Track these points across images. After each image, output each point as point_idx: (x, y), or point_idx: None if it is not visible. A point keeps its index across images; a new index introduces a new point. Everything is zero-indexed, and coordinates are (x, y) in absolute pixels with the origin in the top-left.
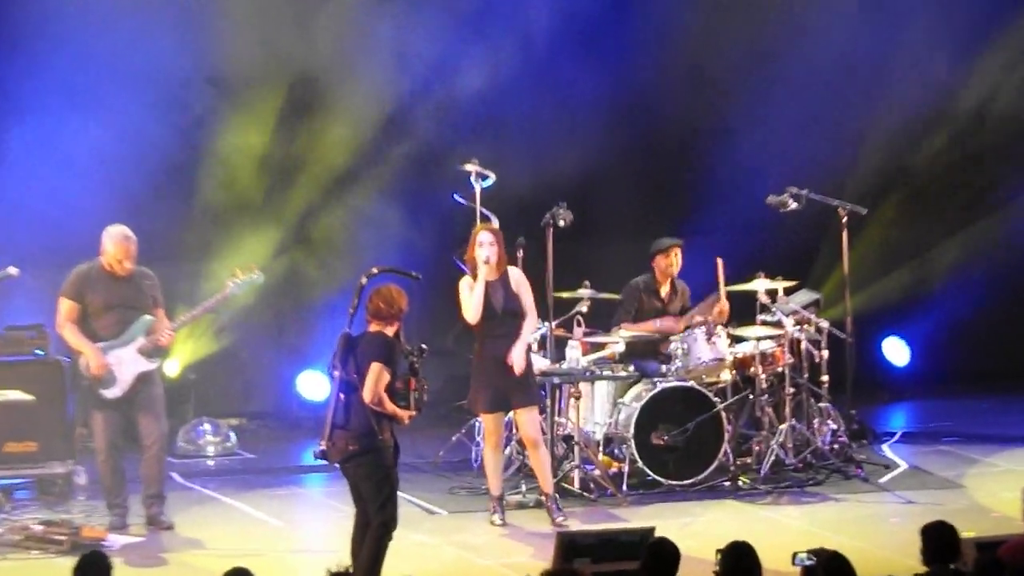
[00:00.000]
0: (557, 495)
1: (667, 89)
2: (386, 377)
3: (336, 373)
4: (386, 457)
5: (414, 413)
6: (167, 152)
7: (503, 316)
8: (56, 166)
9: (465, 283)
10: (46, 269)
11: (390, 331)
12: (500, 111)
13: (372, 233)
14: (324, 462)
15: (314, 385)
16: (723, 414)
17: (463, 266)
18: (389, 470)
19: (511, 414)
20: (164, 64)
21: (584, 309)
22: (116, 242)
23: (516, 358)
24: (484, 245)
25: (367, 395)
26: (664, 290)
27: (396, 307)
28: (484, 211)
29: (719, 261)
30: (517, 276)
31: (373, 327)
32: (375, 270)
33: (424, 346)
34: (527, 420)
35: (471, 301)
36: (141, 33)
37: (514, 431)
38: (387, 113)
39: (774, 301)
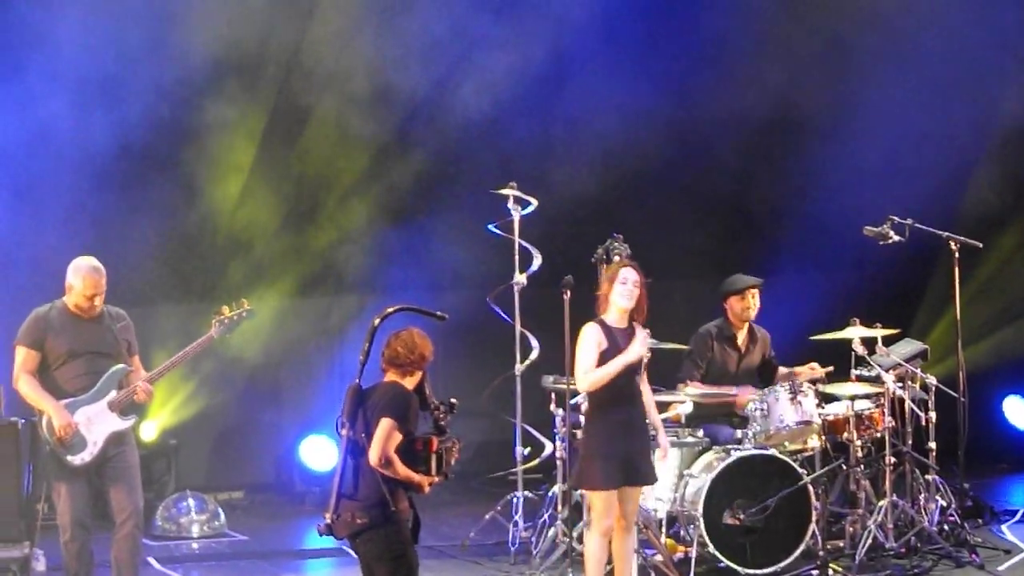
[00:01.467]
0: None
1: (741, 103)
2: (397, 436)
3: (344, 432)
4: (401, 532)
5: (436, 480)
6: (134, 167)
7: (628, 374)
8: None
9: (592, 336)
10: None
11: (409, 383)
12: (542, 131)
13: (392, 270)
14: (330, 539)
15: (320, 453)
16: (810, 488)
17: (499, 310)
18: (405, 547)
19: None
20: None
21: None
22: (85, 276)
23: (666, 444)
24: (628, 283)
25: (373, 456)
26: (741, 337)
27: (417, 353)
28: (525, 244)
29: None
30: (644, 333)
31: (389, 377)
32: (390, 309)
33: (454, 401)
34: (636, 497)
35: (594, 377)
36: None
37: (558, 507)
38: (406, 130)
39: (872, 353)
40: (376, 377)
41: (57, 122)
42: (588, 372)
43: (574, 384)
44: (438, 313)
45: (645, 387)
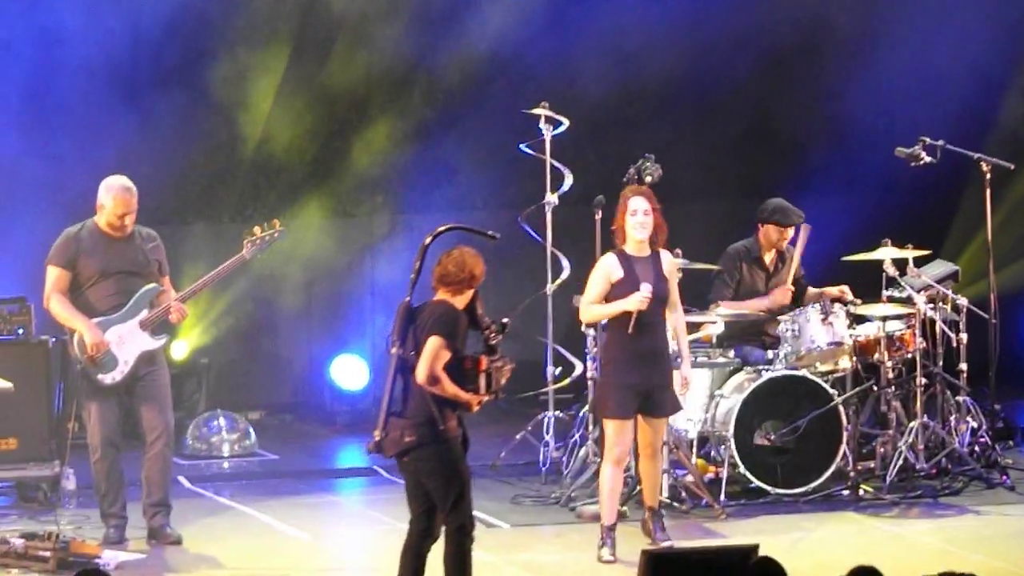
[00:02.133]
0: (663, 511)
1: (769, 20)
2: (445, 354)
3: (393, 350)
4: (452, 450)
5: (485, 398)
6: (167, 90)
7: (651, 302)
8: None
9: (604, 268)
10: (31, 231)
11: (459, 301)
12: (570, 47)
13: (424, 190)
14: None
15: (351, 372)
16: (841, 409)
17: (532, 231)
18: (456, 464)
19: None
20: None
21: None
22: (116, 195)
23: (689, 375)
24: (638, 214)
25: (420, 374)
26: (769, 258)
27: (467, 272)
28: (556, 164)
29: (805, 229)
30: (670, 260)
31: (439, 295)
32: (442, 228)
33: (505, 321)
34: (658, 428)
35: (594, 312)
36: None
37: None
38: (442, 49)
39: (903, 274)
40: (427, 296)
41: (69, 28)
42: (590, 304)
43: None
44: (489, 232)
45: (676, 314)
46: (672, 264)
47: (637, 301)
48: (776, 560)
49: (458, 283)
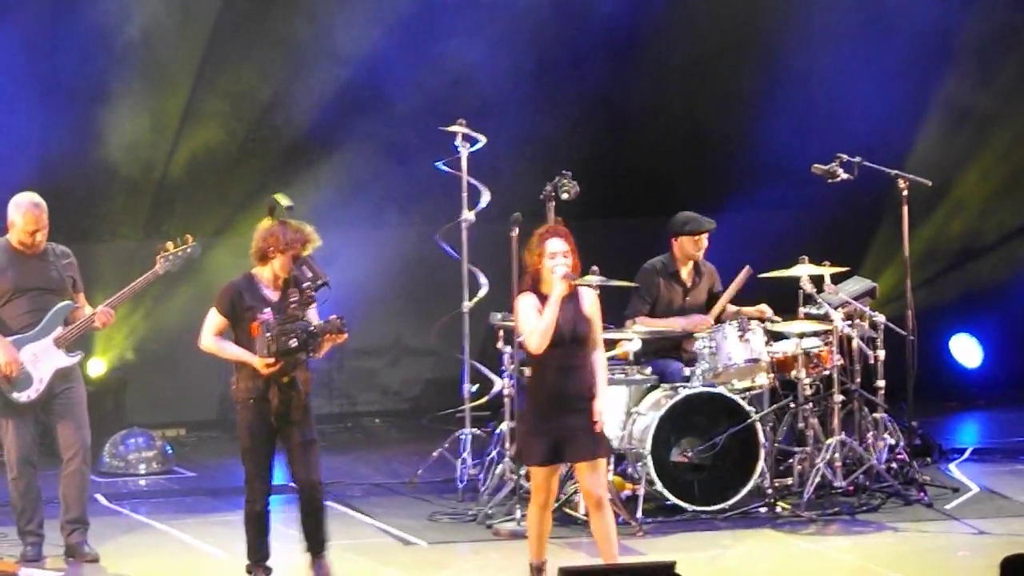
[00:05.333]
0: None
1: (692, 30)
2: (214, 320)
3: None
4: (240, 412)
5: (269, 360)
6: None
7: (571, 344)
8: None
9: (530, 303)
10: None
11: (270, 270)
12: (487, 62)
13: (339, 205)
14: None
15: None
16: (759, 426)
17: (448, 247)
18: (240, 427)
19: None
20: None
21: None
22: (26, 212)
23: (601, 410)
24: (558, 256)
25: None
26: (686, 272)
27: (257, 246)
28: (473, 181)
29: (746, 271)
30: (592, 298)
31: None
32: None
33: (321, 282)
34: (592, 476)
35: (540, 324)
36: None
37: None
38: (354, 65)
39: (820, 291)
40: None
41: None
42: (532, 327)
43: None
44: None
45: (596, 354)
46: (594, 304)
47: (560, 288)
48: None
49: (259, 257)
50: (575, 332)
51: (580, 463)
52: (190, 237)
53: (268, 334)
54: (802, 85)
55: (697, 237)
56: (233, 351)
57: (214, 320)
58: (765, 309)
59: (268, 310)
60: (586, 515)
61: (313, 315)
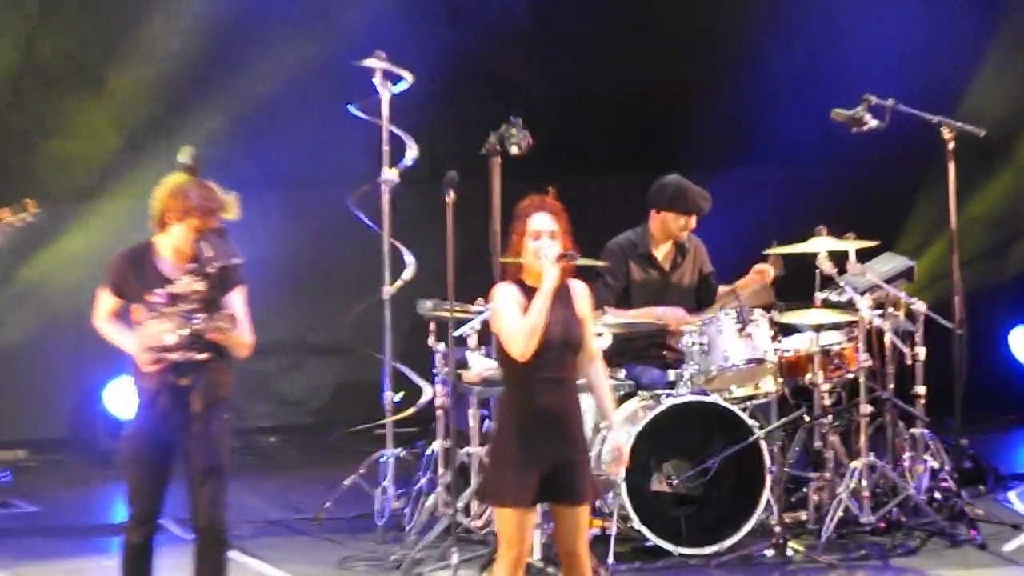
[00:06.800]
0: None
1: None
2: (104, 299)
3: None
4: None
5: (147, 359)
6: None
7: (561, 350)
8: None
9: (509, 294)
10: None
11: (168, 237)
12: None
13: (222, 165)
14: None
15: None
16: (764, 445)
17: (364, 217)
18: (128, 435)
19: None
20: None
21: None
22: None
23: (622, 444)
24: (543, 236)
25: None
26: (662, 253)
27: (158, 210)
28: (396, 131)
29: (766, 271)
30: (584, 293)
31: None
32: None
33: (219, 264)
34: (571, 523)
35: (528, 322)
36: None
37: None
38: None
39: (843, 272)
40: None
41: None
42: (515, 327)
43: (460, 313)
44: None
45: (593, 365)
46: (586, 299)
47: (552, 276)
48: None
49: (157, 222)
50: (566, 336)
51: (563, 507)
52: (30, 202)
53: (147, 322)
54: (823, 18)
55: (684, 216)
56: (121, 340)
57: (103, 299)
58: (765, 268)
59: (162, 291)
60: (542, 560)
61: (237, 304)
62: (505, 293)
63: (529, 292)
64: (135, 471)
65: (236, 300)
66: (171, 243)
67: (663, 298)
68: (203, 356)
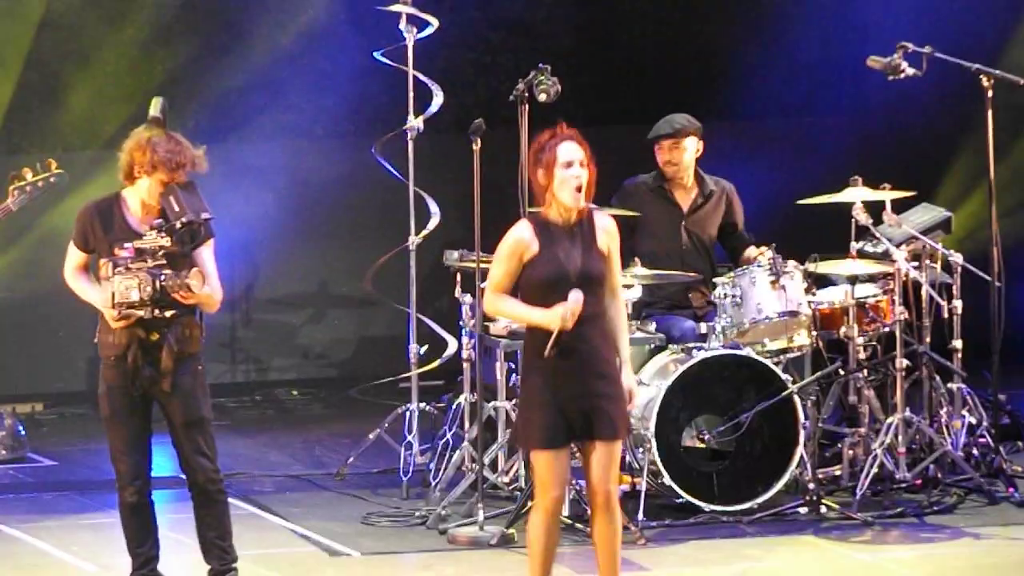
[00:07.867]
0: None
1: None
2: (73, 254)
3: None
4: (103, 372)
5: (114, 314)
6: None
7: (579, 286)
8: None
9: (524, 232)
10: None
11: (137, 192)
12: None
13: (241, 114)
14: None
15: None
16: (797, 400)
17: (388, 165)
18: (102, 394)
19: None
20: None
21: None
22: None
23: (633, 386)
24: (574, 165)
25: None
26: (679, 192)
27: (126, 161)
28: (422, 78)
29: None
30: (609, 226)
31: None
32: None
33: (185, 220)
34: (604, 460)
35: (496, 305)
36: None
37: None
38: None
39: (879, 223)
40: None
41: None
42: (494, 291)
43: (487, 263)
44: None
45: (615, 304)
46: (611, 234)
47: (556, 317)
48: None
49: (125, 173)
50: (586, 271)
51: (594, 444)
52: (53, 162)
53: (113, 278)
54: None
55: (661, 141)
56: (89, 295)
57: (72, 253)
58: (766, 251)
59: (129, 245)
60: (571, 516)
61: (206, 259)
62: (511, 239)
63: (549, 230)
64: (114, 430)
65: (206, 255)
66: (139, 196)
67: (676, 237)
68: (171, 312)
